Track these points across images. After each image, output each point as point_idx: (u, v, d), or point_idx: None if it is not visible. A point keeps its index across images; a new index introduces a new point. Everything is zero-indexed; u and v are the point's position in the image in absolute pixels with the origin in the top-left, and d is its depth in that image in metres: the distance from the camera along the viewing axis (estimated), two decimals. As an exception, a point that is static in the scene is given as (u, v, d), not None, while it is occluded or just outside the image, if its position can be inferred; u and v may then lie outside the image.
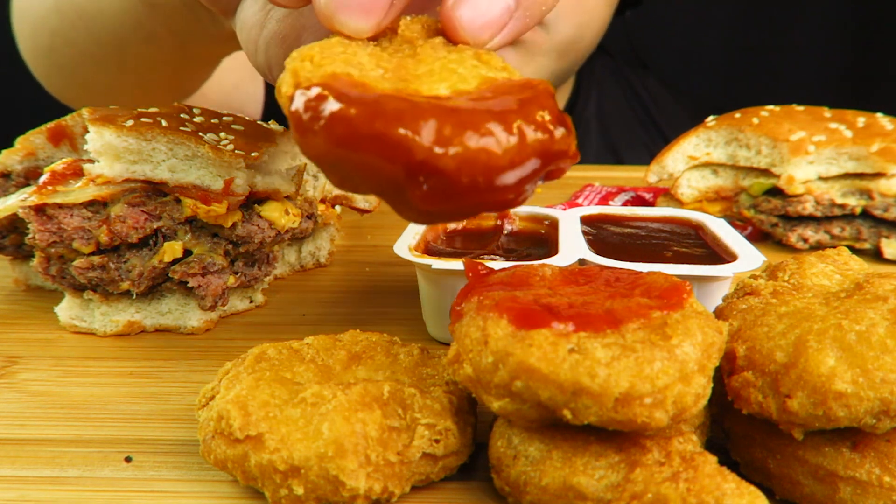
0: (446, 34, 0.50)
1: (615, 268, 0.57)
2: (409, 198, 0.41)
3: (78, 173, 0.74)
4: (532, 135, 0.42)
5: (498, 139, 0.41)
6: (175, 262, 0.74)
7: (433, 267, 0.69)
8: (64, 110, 0.88)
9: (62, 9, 1.10)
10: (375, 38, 0.49)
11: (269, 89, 1.60)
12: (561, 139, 0.44)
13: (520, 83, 0.46)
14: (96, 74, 1.18)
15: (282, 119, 1.04)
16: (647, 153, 1.31)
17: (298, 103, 0.42)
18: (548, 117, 0.43)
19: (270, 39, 0.58)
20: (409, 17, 0.51)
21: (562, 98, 1.71)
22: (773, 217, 1.06)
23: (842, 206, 1.02)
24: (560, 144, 0.44)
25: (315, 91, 0.41)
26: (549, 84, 0.46)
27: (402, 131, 0.39)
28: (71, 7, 1.08)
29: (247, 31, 0.61)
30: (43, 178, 0.73)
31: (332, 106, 0.41)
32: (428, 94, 0.43)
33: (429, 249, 0.78)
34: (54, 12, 1.12)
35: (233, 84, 1.53)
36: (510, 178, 0.42)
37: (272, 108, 1.61)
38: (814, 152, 1.02)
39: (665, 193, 1.15)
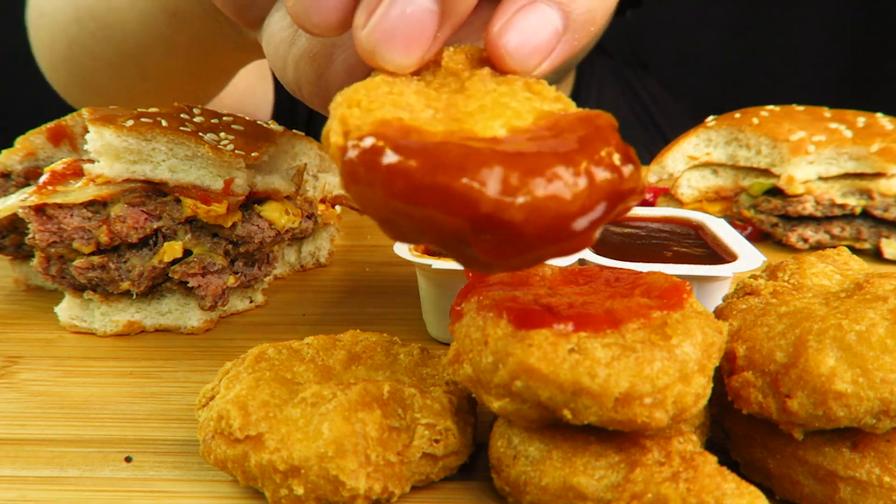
0: (493, 63, 0.47)
1: (615, 268, 0.57)
2: (475, 252, 0.39)
3: (78, 173, 0.74)
4: (601, 176, 0.39)
5: (567, 184, 0.38)
6: (175, 262, 0.74)
7: (433, 267, 0.69)
8: (64, 110, 0.88)
9: (81, 18, 1.09)
10: (419, 72, 0.47)
11: (279, 90, 1.60)
12: (630, 177, 0.41)
13: (578, 116, 0.43)
14: (114, 84, 1.18)
15: (290, 118, 1.03)
16: (646, 153, 1.31)
17: (352, 155, 0.39)
18: (615, 155, 0.40)
19: (300, 57, 0.56)
20: (451, 48, 0.48)
21: None
22: (773, 217, 1.06)
23: (842, 206, 1.02)
24: (630, 182, 0.41)
25: (369, 142, 0.39)
26: (609, 116, 0.43)
27: (466, 183, 0.37)
28: (91, 17, 1.08)
29: (274, 46, 0.58)
30: (43, 178, 0.73)
31: (389, 158, 0.38)
32: (484, 136, 0.41)
33: (429, 249, 0.78)
34: (73, 22, 1.11)
35: (248, 85, 1.53)
36: (581, 224, 0.39)
37: (281, 108, 1.61)
38: (814, 152, 1.02)
39: (665, 193, 1.15)
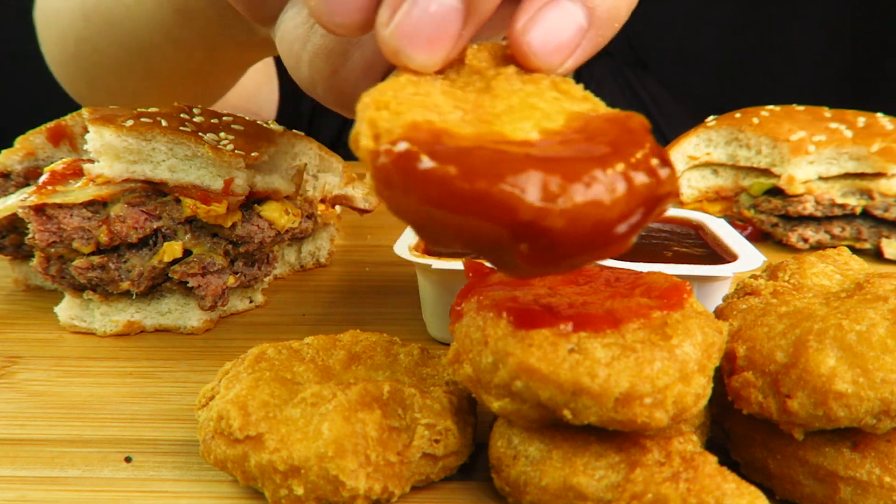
0: (517, 61, 0.47)
1: (615, 268, 0.57)
2: (515, 259, 0.38)
3: (78, 173, 0.74)
4: (640, 180, 0.38)
5: (606, 189, 0.37)
6: (175, 262, 0.74)
7: (433, 267, 0.69)
8: (64, 110, 0.88)
9: (89, 16, 1.09)
10: (442, 71, 0.46)
11: (283, 89, 1.60)
12: (667, 180, 0.40)
13: (610, 117, 0.43)
14: (122, 81, 1.18)
15: (294, 119, 1.03)
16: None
17: (385, 160, 0.38)
18: (651, 158, 0.40)
19: (315, 54, 0.55)
20: (475, 45, 0.48)
21: None
22: (773, 217, 1.06)
23: (842, 206, 1.02)
24: (667, 186, 0.40)
25: (403, 146, 0.38)
26: (642, 117, 0.43)
27: (505, 189, 0.36)
28: (98, 14, 1.08)
29: (288, 43, 0.58)
30: (43, 178, 0.73)
31: (425, 164, 0.37)
32: (516, 139, 0.40)
33: (429, 249, 0.77)
34: (81, 19, 1.11)
35: (255, 85, 1.52)
36: (621, 229, 0.38)
37: (285, 109, 1.61)
38: (814, 152, 1.02)
39: (665, 193, 1.15)
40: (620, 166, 0.38)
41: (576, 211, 0.37)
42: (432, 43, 0.44)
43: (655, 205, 0.40)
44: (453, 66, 0.47)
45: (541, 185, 0.36)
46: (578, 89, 0.46)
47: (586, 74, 1.75)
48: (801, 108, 1.12)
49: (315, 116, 1.67)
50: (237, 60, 1.08)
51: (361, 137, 0.40)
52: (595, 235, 0.38)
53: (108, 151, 0.71)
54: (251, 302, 0.84)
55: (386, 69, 0.53)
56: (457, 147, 0.38)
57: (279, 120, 1.25)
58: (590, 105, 0.44)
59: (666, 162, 0.40)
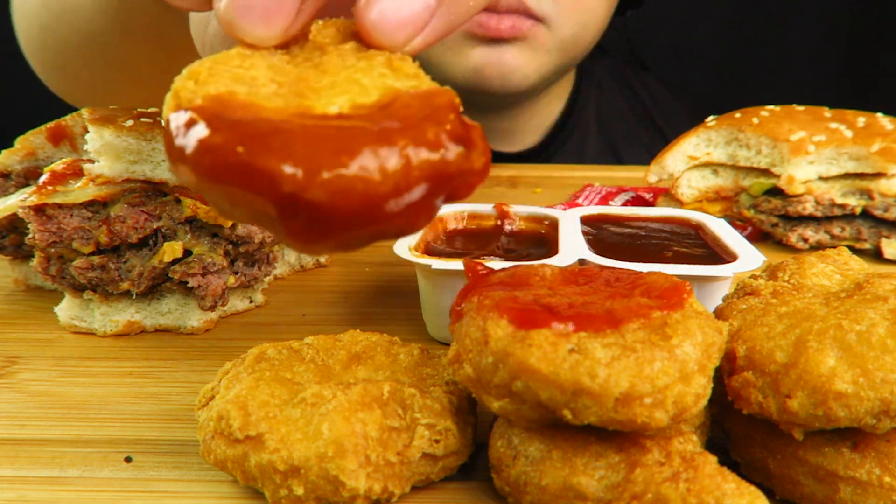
0: (360, 37, 0.45)
1: (615, 268, 0.57)
2: (284, 232, 0.38)
3: (78, 173, 0.74)
4: (419, 156, 0.38)
5: (377, 164, 0.37)
6: (175, 262, 0.74)
7: (433, 267, 0.69)
8: (64, 110, 0.88)
9: (47, 3, 1.10)
10: (286, 46, 0.45)
11: None
12: (456, 158, 0.39)
13: (419, 94, 0.42)
14: (85, 71, 1.18)
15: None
16: (647, 153, 1.31)
17: (171, 128, 0.38)
18: (443, 136, 0.39)
19: (214, 37, 0.55)
20: (321, 21, 0.46)
21: (562, 98, 1.71)
22: (773, 217, 1.06)
23: (842, 206, 1.02)
24: (456, 164, 0.39)
25: (185, 116, 0.38)
26: (451, 94, 0.42)
27: (268, 161, 0.36)
28: (55, 1, 1.09)
29: (194, 27, 0.58)
30: (43, 178, 0.73)
31: (199, 133, 0.37)
32: (318, 113, 0.39)
33: (429, 249, 0.77)
34: (41, 6, 1.12)
35: None
36: (395, 205, 0.38)
37: None
38: (814, 152, 1.02)
39: (665, 193, 1.15)
40: (400, 141, 0.38)
41: (339, 184, 0.36)
42: (268, 15, 0.42)
43: (443, 181, 0.39)
44: (298, 42, 0.45)
45: (305, 157, 0.36)
46: (412, 67, 0.44)
47: (587, 74, 1.75)
48: (801, 108, 1.12)
49: None
50: (187, 48, 1.08)
51: (164, 107, 0.40)
52: (366, 210, 0.37)
53: (108, 151, 0.71)
54: (251, 302, 0.84)
55: None
56: (241, 118, 0.38)
57: None
58: (415, 83, 0.43)
59: (461, 140, 0.40)
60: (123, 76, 1.16)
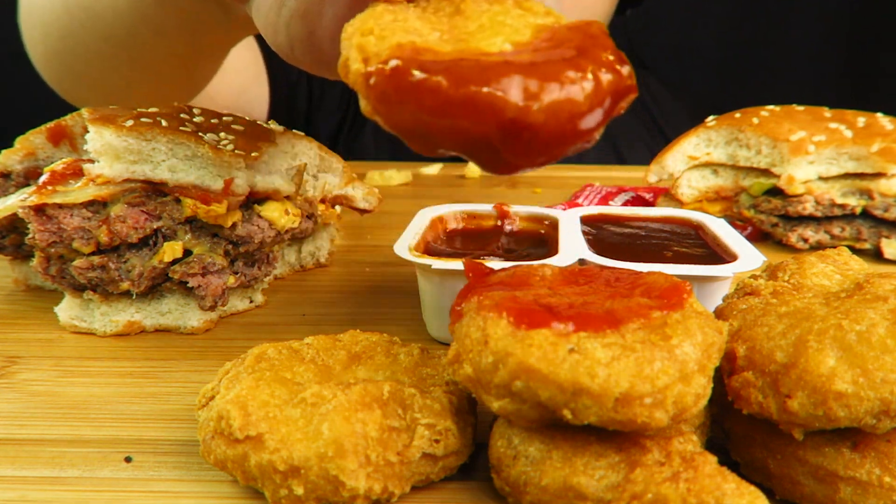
0: None
1: (615, 268, 0.57)
2: (503, 154, 0.43)
3: (78, 173, 0.74)
4: (605, 77, 0.44)
5: (578, 86, 0.43)
6: (175, 262, 0.74)
7: (433, 267, 0.69)
8: (64, 110, 0.88)
9: (71, 10, 1.10)
10: (413, 0, 0.50)
11: (274, 90, 1.60)
12: (628, 75, 0.46)
13: (572, 26, 0.47)
14: (108, 74, 1.18)
15: (289, 121, 1.04)
16: (648, 153, 1.31)
17: (380, 78, 0.42)
18: (611, 57, 0.45)
19: (291, 17, 0.58)
20: None
21: None
22: (773, 217, 1.06)
23: (842, 206, 1.02)
24: (628, 80, 0.46)
25: (394, 63, 0.42)
26: (600, 24, 0.47)
27: (490, 92, 0.41)
28: (79, 6, 1.08)
29: (264, 13, 0.61)
30: (43, 178, 0.73)
31: (417, 76, 0.42)
32: (492, 52, 0.45)
33: (429, 249, 0.77)
34: (63, 13, 1.12)
35: (240, 87, 1.53)
36: (592, 121, 0.44)
37: (278, 110, 1.61)
38: (814, 152, 1.02)
39: (665, 193, 1.15)
40: (588, 66, 0.43)
41: (553, 106, 0.42)
42: None
43: (620, 98, 0.45)
44: None
45: (521, 86, 0.41)
46: (540, 5, 0.50)
47: None
48: (801, 108, 1.12)
49: (311, 118, 1.67)
50: (217, 43, 1.09)
51: (352, 62, 0.44)
52: (570, 127, 0.43)
53: (108, 151, 0.71)
54: (251, 302, 0.84)
55: None
56: (442, 60, 0.43)
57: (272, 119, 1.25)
58: (552, 18, 0.49)
59: (625, 61, 0.46)
60: (146, 75, 1.16)
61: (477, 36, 0.46)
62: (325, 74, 0.62)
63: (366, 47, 0.44)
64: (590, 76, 0.43)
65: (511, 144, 0.42)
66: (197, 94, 1.26)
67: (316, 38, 0.58)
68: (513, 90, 0.41)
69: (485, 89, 0.41)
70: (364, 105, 0.44)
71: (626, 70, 0.45)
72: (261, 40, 1.52)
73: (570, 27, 0.47)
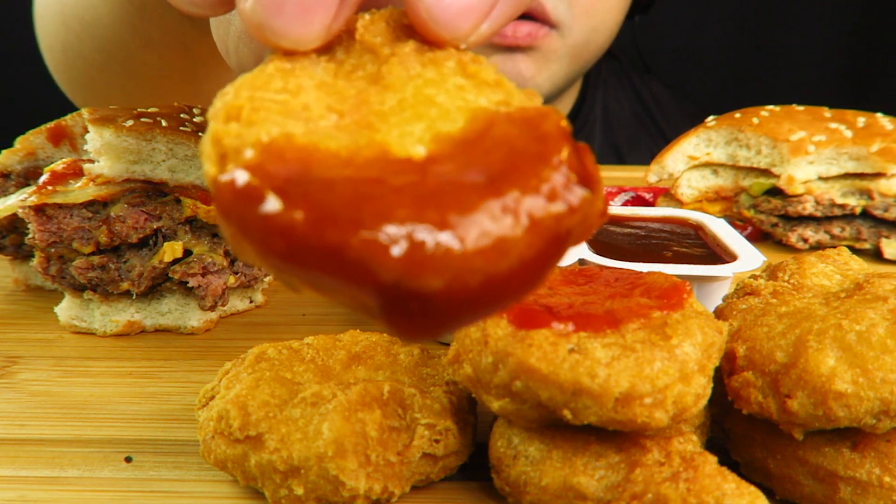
0: (417, 31, 0.36)
1: (615, 268, 0.57)
2: (385, 324, 0.31)
3: (78, 173, 0.74)
4: (545, 212, 0.30)
5: (500, 233, 0.29)
6: (175, 262, 0.74)
7: (433, 267, 0.69)
8: (64, 110, 0.88)
9: (67, 21, 1.10)
10: (329, 48, 0.37)
11: None
12: (582, 204, 0.31)
13: (519, 118, 0.34)
14: (109, 85, 1.18)
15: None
16: (649, 154, 1.32)
17: (223, 197, 0.30)
18: (565, 179, 0.31)
19: (238, 39, 0.50)
20: (368, 14, 0.38)
21: (570, 100, 1.71)
22: (773, 217, 1.06)
23: (842, 206, 1.02)
24: (582, 211, 0.31)
25: (243, 180, 0.29)
26: (559, 115, 0.34)
27: (365, 241, 0.28)
28: (74, 18, 1.08)
29: (215, 29, 0.54)
30: (43, 178, 0.73)
31: (269, 206, 0.28)
32: (398, 155, 0.31)
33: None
34: (62, 26, 1.12)
35: None
36: (520, 280, 0.30)
37: None
38: (814, 152, 1.02)
39: (665, 193, 1.15)
40: (521, 198, 0.30)
41: (455, 265, 0.28)
42: (305, 11, 0.34)
43: (569, 237, 0.32)
44: (342, 41, 0.37)
45: (409, 232, 0.28)
46: (490, 71, 0.36)
47: (595, 77, 1.75)
48: (801, 108, 1.12)
49: None
50: (207, 53, 1.06)
51: (204, 159, 0.32)
52: (487, 291, 0.29)
53: (108, 151, 0.71)
54: (251, 302, 0.84)
55: None
56: (314, 180, 0.29)
57: None
58: (501, 95, 0.35)
59: (586, 180, 0.32)
60: (147, 89, 1.15)
61: (390, 120, 0.33)
62: None
63: (223, 140, 0.31)
64: (521, 214, 0.29)
65: (395, 317, 0.30)
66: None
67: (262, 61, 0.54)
68: (398, 238, 0.28)
69: (357, 235, 0.28)
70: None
71: (578, 196, 0.31)
72: None
73: (515, 119, 0.33)
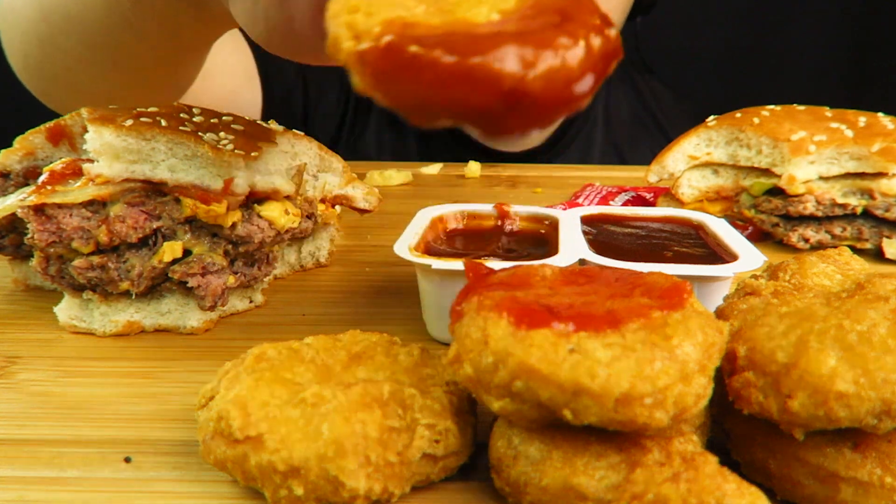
0: None
1: (615, 268, 0.57)
2: (502, 124, 0.44)
3: (77, 173, 0.74)
4: (595, 42, 0.45)
5: (571, 53, 0.43)
6: (175, 262, 0.74)
7: (433, 267, 0.69)
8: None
9: (48, 17, 1.08)
10: None
11: (268, 93, 1.60)
12: (615, 38, 0.46)
13: None
14: (91, 79, 1.17)
15: (286, 122, 1.04)
16: (649, 154, 1.32)
17: (374, 55, 0.42)
18: (598, 21, 0.46)
19: (268, 5, 0.57)
20: None
21: None
22: (773, 217, 1.06)
23: (843, 206, 1.02)
24: (615, 43, 0.46)
25: (388, 38, 0.42)
26: None
27: (488, 64, 0.41)
28: (57, 13, 1.07)
29: (240, 3, 0.60)
30: (42, 178, 0.73)
31: (413, 51, 0.41)
32: (480, 22, 0.45)
33: (429, 249, 0.77)
34: (41, 21, 1.10)
35: (230, 90, 1.52)
36: (585, 85, 0.44)
37: (273, 113, 1.60)
38: (815, 152, 1.02)
39: (665, 193, 1.15)
40: (578, 32, 0.44)
41: (549, 74, 0.42)
42: None
43: (609, 61, 0.46)
44: None
45: (516, 55, 0.42)
46: None
47: None
48: (802, 107, 1.12)
49: (308, 119, 1.67)
50: (198, 39, 1.07)
51: (342, 41, 0.43)
52: (566, 93, 0.44)
53: (108, 151, 0.71)
54: (251, 302, 0.84)
55: None
56: (434, 34, 0.43)
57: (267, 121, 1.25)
58: None
59: (611, 23, 0.47)
60: (129, 78, 1.15)
61: (462, 6, 0.46)
62: (307, 61, 0.61)
63: (355, 24, 0.43)
64: (581, 42, 0.44)
65: (510, 113, 0.43)
66: (181, 96, 1.25)
67: (295, 23, 0.57)
68: (509, 60, 0.41)
69: (481, 61, 0.41)
70: (358, 82, 0.44)
71: (612, 32, 0.46)
72: (253, 44, 1.52)
73: None
